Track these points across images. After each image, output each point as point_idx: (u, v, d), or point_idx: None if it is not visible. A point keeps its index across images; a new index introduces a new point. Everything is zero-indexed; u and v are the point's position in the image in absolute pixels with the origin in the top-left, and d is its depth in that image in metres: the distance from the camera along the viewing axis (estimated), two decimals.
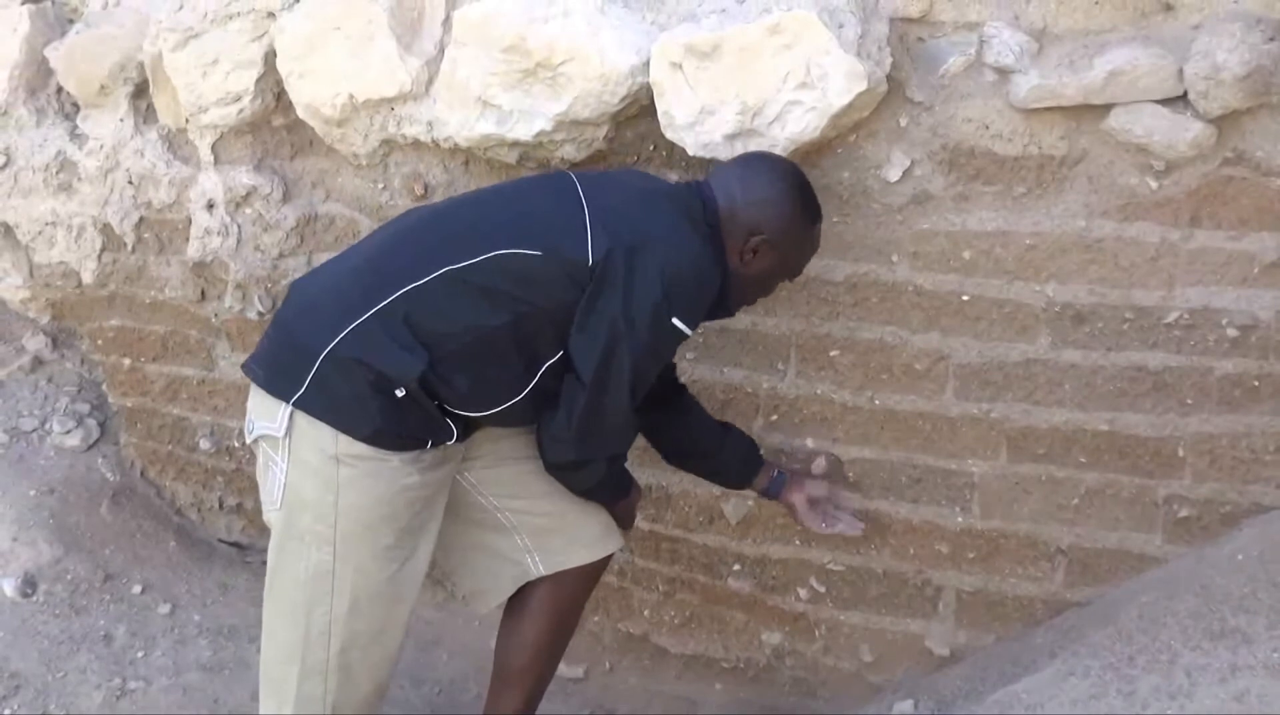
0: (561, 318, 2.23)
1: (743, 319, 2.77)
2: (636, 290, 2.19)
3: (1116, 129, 2.37)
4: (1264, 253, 2.37)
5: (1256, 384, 2.41)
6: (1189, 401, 2.46)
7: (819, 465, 2.77)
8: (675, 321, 2.21)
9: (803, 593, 2.89)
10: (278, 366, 2.29)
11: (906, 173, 2.55)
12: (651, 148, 2.76)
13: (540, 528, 2.49)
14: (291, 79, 3.05)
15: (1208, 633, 2.11)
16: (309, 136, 3.21)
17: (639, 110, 2.70)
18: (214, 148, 3.32)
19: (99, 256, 3.65)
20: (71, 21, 3.61)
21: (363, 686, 2.37)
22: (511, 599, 2.55)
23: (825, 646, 2.90)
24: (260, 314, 3.37)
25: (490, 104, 2.79)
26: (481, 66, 2.77)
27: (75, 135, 3.59)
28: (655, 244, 2.21)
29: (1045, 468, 2.59)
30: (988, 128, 2.47)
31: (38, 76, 3.62)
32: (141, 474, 3.85)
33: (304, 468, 2.26)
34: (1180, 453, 2.48)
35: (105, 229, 3.59)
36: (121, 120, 3.49)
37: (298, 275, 3.28)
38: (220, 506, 3.73)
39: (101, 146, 3.52)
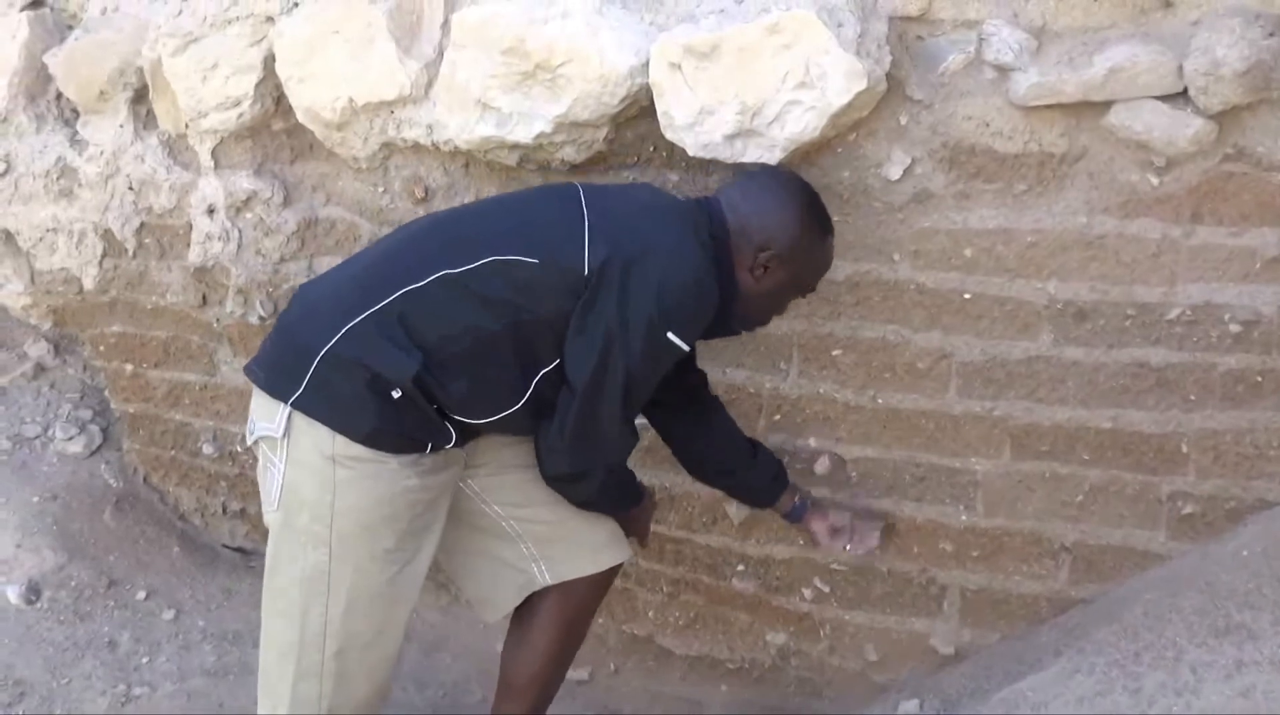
0: (559, 326, 2.22)
1: None
2: (632, 300, 2.18)
3: (1117, 126, 2.37)
4: (1265, 248, 2.37)
5: (1259, 379, 2.41)
6: (1192, 398, 2.45)
7: (822, 465, 2.76)
8: (670, 336, 2.21)
9: (807, 593, 2.88)
10: (277, 368, 2.30)
11: (907, 171, 2.55)
12: (651, 148, 2.76)
13: (545, 537, 2.48)
14: (291, 83, 3.05)
15: (1213, 629, 2.10)
16: (309, 140, 3.21)
17: (639, 111, 2.70)
18: (214, 152, 3.32)
19: (100, 262, 3.65)
20: (70, 27, 3.60)
21: (360, 688, 2.36)
22: (519, 607, 2.54)
23: (830, 646, 2.90)
24: (262, 319, 3.37)
25: (490, 106, 2.78)
26: (481, 69, 2.77)
27: (75, 141, 3.59)
28: (654, 255, 2.21)
29: (1049, 465, 2.59)
30: (988, 125, 2.47)
31: (37, 83, 3.62)
32: (144, 480, 3.85)
33: (301, 468, 2.26)
34: (1184, 449, 2.48)
35: (106, 235, 3.59)
36: (121, 126, 3.49)
37: (299, 280, 3.29)
38: (224, 512, 3.73)
39: (101, 152, 3.52)
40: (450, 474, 2.39)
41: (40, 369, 3.97)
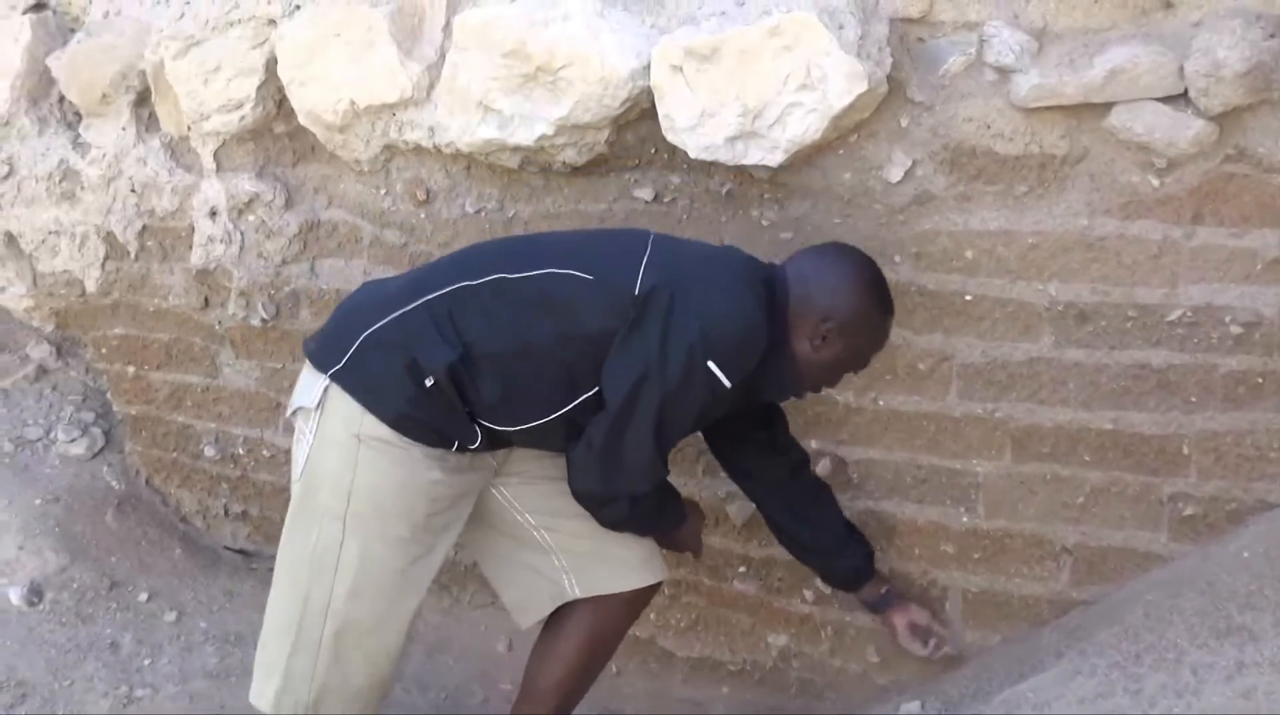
0: (603, 345, 2.24)
1: None
2: (674, 327, 2.19)
3: (1117, 127, 2.37)
4: (1266, 249, 2.36)
5: (1260, 381, 2.40)
6: (1193, 399, 2.45)
7: (823, 466, 2.76)
8: (711, 365, 2.20)
9: (808, 594, 2.88)
10: (327, 342, 2.37)
11: (908, 173, 2.55)
12: (653, 151, 2.76)
13: (576, 550, 2.48)
14: (293, 86, 3.06)
15: (1214, 630, 2.10)
16: (311, 143, 3.21)
17: (640, 113, 2.70)
18: (216, 155, 3.33)
19: (102, 265, 3.65)
20: (73, 30, 3.61)
21: (355, 678, 2.36)
22: (551, 616, 2.54)
23: (832, 648, 2.90)
24: (264, 321, 3.37)
25: (491, 109, 2.79)
26: (482, 71, 2.77)
27: (78, 144, 3.60)
28: (704, 287, 2.23)
29: (1050, 467, 2.59)
30: (989, 127, 2.47)
31: (40, 86, 3.63)
32: (146, 482, 3.85)
33: (328, 442, 2.30)
34: (1185, 450, 2.48)
35: (108, 237, 3.60)
36: (124, 129, 3.49)
37: (301, 282, 3.30)
38: (225, 514, 3.73)
39: (104, 155, 3.53)
40: (475, 478, 2.40)
41: (42, 371, 3.98)
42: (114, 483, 3.80)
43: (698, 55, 2.53)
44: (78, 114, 3.63)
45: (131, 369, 3.75)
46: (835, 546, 2.62)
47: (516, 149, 2.81)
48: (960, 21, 2.48)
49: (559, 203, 2.93)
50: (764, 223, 2.72)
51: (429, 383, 2.24)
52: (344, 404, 2.29)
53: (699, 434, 2.61)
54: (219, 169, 3.34)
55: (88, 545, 3.56)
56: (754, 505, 2.76)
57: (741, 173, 2.67)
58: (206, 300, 3.48)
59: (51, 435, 3.85)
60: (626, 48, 2.62)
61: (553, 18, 2.68)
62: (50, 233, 3.69)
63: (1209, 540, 2.46)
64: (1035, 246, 2.50)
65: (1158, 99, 2.33)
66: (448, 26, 2.87)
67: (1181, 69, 2.30)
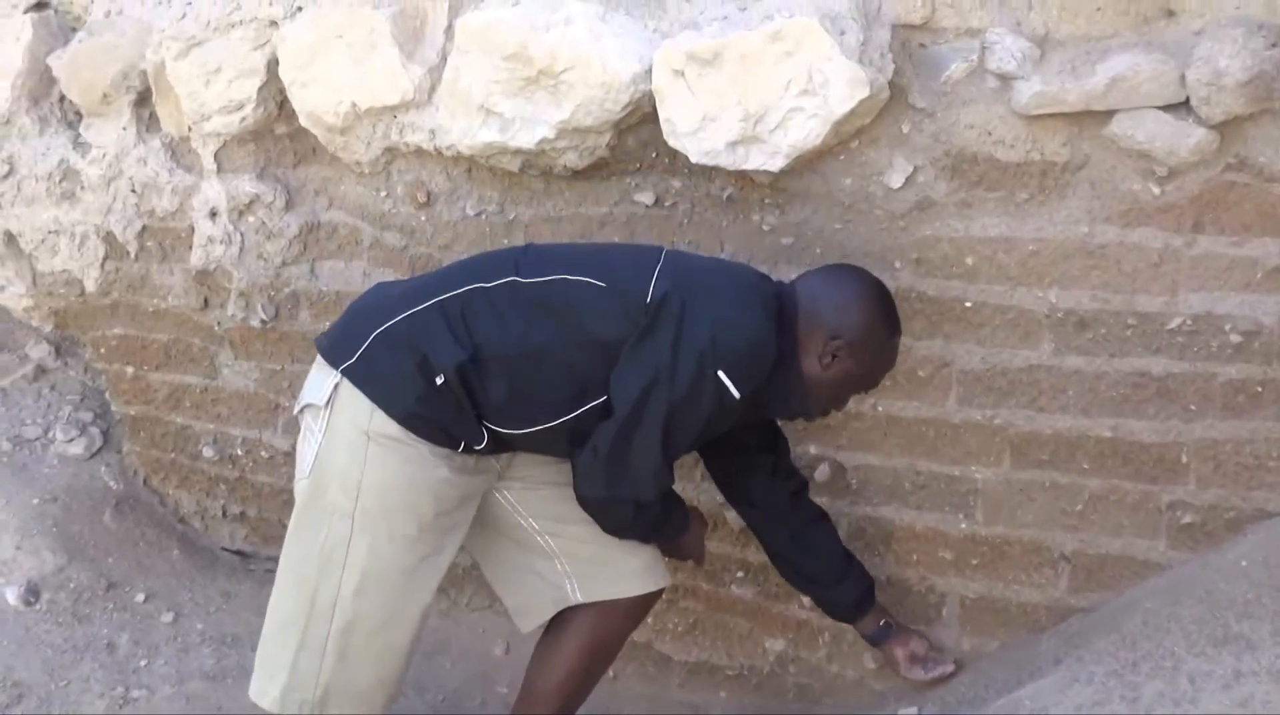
0: (613, 352, 2.25)
1: None
2: (685, 336, 2.21)
3: (1119, 135, 2.37)
4: (1267, 258, 2.37)
5: (1260, 390, 2.41)
6: (1192, 407, 2.45)
7: (822, 472, 2.76)
8: (721, 375, 2.20)
9: (806, 600, 2.88)
10: (339, 339, 2.38)
11: (909, 179, 2.55)
12: (654, 155, 2.76)
13: (579, 555, 2.49)
14: (294, 87, 3.06)
15: (1212, 639, 2.10)
16: (311, 144, 3.21)
17: (641, 117, 2.70)
18: (217, 156, 3.33)
19: (102, 265, 3.65)
20: (74, 30, 3.61)
21: (361, 677, 2.36)
22: (553, 620, 2.54)
23: (829, 653, 2.90)
24: (263, 322, 3.37)
25: (493, 112, 2.79)
26: (484, 74, 2.77)
27: (78, 144, 3.60)
28: (714, 300, 2.25)
29: (1049, 474, 2.58)
30: (990, 134, 2.47)
31: (40, 85, 3.63)
32: (144, 482, 3.85)
33: (338, 438, 2.31)
34: (1184, 459, 2.48)
35: (108, 237, 3.60)
36: (124, 129, 3.49)
37: (300, 284, 3.30)
38: (223, 515, 3.73)
39: (104, 155, 3.53)
40: (481, 480, 2.41)
41: (41, 371, 3.97)
42: (112, 483, 3.79)
43: (699, 60, 2.53)
44: (78, 113, 3.62)
45: (130, 369, 3.75)
46: (835, 576, 2.62)
47: (517, 152, 2.81)
48: (962, 28, 2.48)
49: (560, 206, 2.93)
50: (765, 228, 2.72)
51: (439, 381, 2.25)
52: (354, 401, 2.30)
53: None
54: (219, 170, 3.34)
55: (85, 545, 3.56)
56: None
57: (742, 177, 2.67)
58: (206, 301, 3.48)
59: (50, 435, 3.85)
60: (628, 52, 2.62)
61: (555, 21, 2.68)
62: (50, 232, 3.69)
63: (1207, 548, 2.46)
64: (1036, 253, 2.50)
65: (1159, 107, 2.33)
66: (449, 29, 2.88)
67: (1183, 77, 2.30)
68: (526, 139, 2.76)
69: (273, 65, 3.11)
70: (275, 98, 3.18)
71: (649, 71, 2.61)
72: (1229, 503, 2.46)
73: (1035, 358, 2.55)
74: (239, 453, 3.61)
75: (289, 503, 2.45)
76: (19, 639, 3.28)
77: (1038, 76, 2.40)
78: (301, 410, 2.40)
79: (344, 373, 2.31)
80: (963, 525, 2.68)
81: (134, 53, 3.38)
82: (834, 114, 2.46)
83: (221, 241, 3.37)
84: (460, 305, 2.30)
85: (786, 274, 2.71)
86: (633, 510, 2.36)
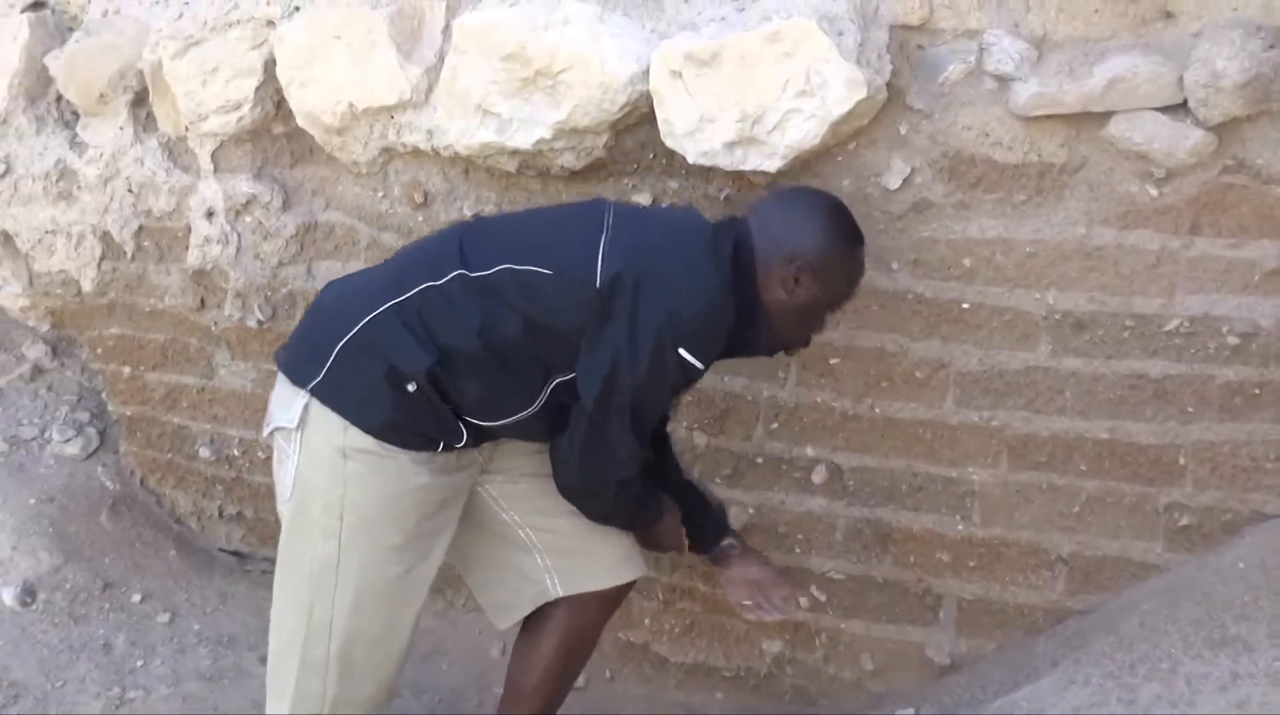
0: (571, 338, 2.22)
1: None
2: (641, 319, 2.18)
3: (1116, 136, 2.37)
4: (1264, 260, 2.37)
5: (1257, 392, 2.41)
6: (1190, 409, 2.45)
7: (819, 474, 2.76)
8: (682, 352, 2.19)
9: (803, 601, 2.87)
10: (302, 354, 2.33)
11: (907, 180, 2.55)
12: (651, 156, 2.76)
13: (560, 549, 2.48)
14: (292, 87, 3.05)
15: (1209, 641, 2.10)
16: (309, 144, 3.21)
17: (639, 118, 2.70)
18: (214, 156, 3.32)
19: (99, 265, 3.64)
20: (71, 30, 3.60)
21: (365, 686, 2.36)
22: (529, 617, 2.54)
23: (826, 655, 2.90)
24: (260, 322, 3.36)
25: (490, 112, 2.79)
26: (481, 75, 2.77)
27: (75, 143, 3.59)
28: (665, 275, 2.20)
29: (1046, 476, 2.58)
30: (988, 135, 2.47)
31: (37, 85, 3.62)
32: (141, 482, 3.84)
33: (314, 459, 2.28)
34: (1181, 461, 2.48)
35: (105, 237, 3.59)
36: (121, 128, 3.49)
37: (298, 284, 3.29)
38: (220, 515, 3.72)
39: (101, 154, 3.52)
40: (463, 477, 2.40)
41: (38, 371, 3.97)
42: (109, 483, 3.79)
43: (697, 60, 2.53)
44: (75, 113, 3.62)
45: (127, 369, 3.75)
46: (691, 505, 2.58)
47: (515, 152, 2.81)
48: (960, 29, 2.48)
49: None
50: None
51: (411, 389, 2.22)
52: (326, 419, 2.26)
53: None
54: (216, 170, 3.33)
55: (81, 545, 3.55)
56: (749, 512, 2.76)
57: (740, 178, 2.67)
58: (203, 301, 3.47)
59: (46, 435, 3.84)
60: (626, 52, 2.62)
61: (553, 22, 2.68)
62: (47, 232, 3.68)
63: (1204, 550, 2.46)
64: (1033, 255, 2.50)
65: (1157, 109, 2.33)
66: (447, 29, 2.87)
67: (1181, 79, 2.30)
68: (524, 139, 2.76)
69: (270, 65, 3.11)
70: (272, 98, 3.18)
71: (647, 72, 2.61)
72: (1226, 505, 2.46)
73: (1033, 359, 2.55)
74: (236, 453, 3.60)
75: (283, 522, 2.42)
76: (15, 639, 3.27)
77: (1035, 78, 2.40)
78: (272, 432, 2.37)
79: (312, 392, 2.27)
80: (960, 527, 2.68)
81: (131, 52, 3.38)
82: (832, 115, 2.46)
83: (218, 241, 3.36)
84: (416, 307, 2.25)
85: None
86: (614, 491, 2.35)
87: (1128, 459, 2.52)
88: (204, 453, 3.66)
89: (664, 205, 2.69)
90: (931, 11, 2.48)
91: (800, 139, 2.50)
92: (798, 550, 2.85)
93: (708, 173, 2.68)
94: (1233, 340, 2.40)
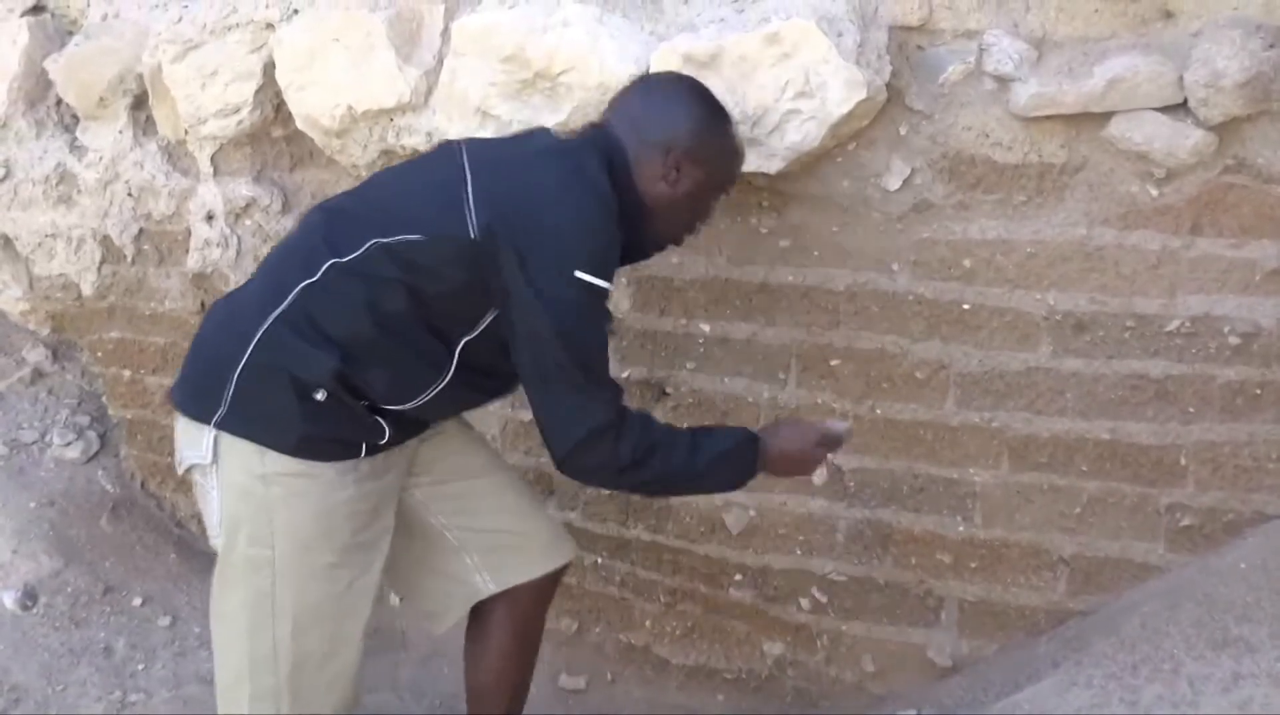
0: (461, 295, 2.14)
1: (743, 328, 2.77)
2: (530, 268, 2.08)
3: (1117, 137, 2.37)
4: (1265, 260, 2.36)
5: (1259, 392, 2.40)
6: (1191, 410, 2.45)
7: (820, 475, 2.75)
8: (581, 276, 2.08)
9: (804, 603, 2.88)
10: (198, 389, 2.24)
11: (906, 181, 2.54)
12: None
13: (488, 545, 2.46)
14: (291, 90, 3.05)
15: (1211, 642, 2.10)
16: (308, 147, 3.21)
17: None
18: (213, 159, 3.32)
19: (99, 268, 3.65)
20: (71, 33, 3.61)
21: (321, 702, 2.31)
22: (471, 621, 2.52)
23: (827, 657, 2.89)
24: None
25: (489, 114, 2.78)
26: (480, 77, 2.77)
27: (75, 147, 3.59)
28: (537, 209, 2.12)
29: (1047, 477, 2.58)
30: (988, 136, 2.47)
31: (37, 88, 3.63)
32: (142, 486, 3.84)
33: (236, 491, 2.21)
34: (1182, 461, 2.48)
35: (105, 241, 3.59)
36: (121, 132, 3.49)
37: None
38: None
39: (101, 158, 3.52)
40: (390, 480, 2.33)
41: (38, 374, 3.97)
42: (109, 487, 3.79)
43: (696, 62, 2.52)
44: (75, 117, 3.62)
45: (127, 373, 3.75)
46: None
47: None
48: (960, 30, 2.48)
49: None
50: (762, 230, 2.72)
51: (320, 396, 2.15)
52: (239, 449, 2.18)
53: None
54: (216, 173, 3.34)
55: (82, 549, 3.55)
56: (750, 513, 2.75)
57: (739, 180, 2.66)
58: (203, 304, 3.47)
59: (47, 438, 3.85)
60: (625, 54, 2.62)
61: (551, 24, 2.68)
62: (47, 236, 3.69)
63: (1206, 551, 2.45)
64: (1033, 256, 2.50)
65: (1157, 109, 2.33)
66: (446, 32, 2.87)
67: (1181, 79, 2.30)
68: None
69: (269, 68, 3.11)
70: (272, 101, 3.18)
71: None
72: (1228, 505, 2.46)
73: (1033, 360, 2.54)
74: None
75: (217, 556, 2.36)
76: (16, 643, 3.27)
77: (1035, 78, 2.39)
78: (189, 469, 2.29)
79: (218, 426, 2.18)
80: (961, 528, 2.68)
81: (130, 56, 3.38)
82: (831, 116, 2.45)
83: (218, 245, 3.36)
84: (301, 310, 2.15)
85: (784, 277, 2.71)
86: (613, 441, 2.18)
87: (1129, 460, 2.51)
88: None
89: (516, 134, 2.56)
90: (931, 12, 2.48)
91: (800, 140, 2.50)
92: (799, 552, 2.85)
93: None
94: (1234, 340, 2.39)
